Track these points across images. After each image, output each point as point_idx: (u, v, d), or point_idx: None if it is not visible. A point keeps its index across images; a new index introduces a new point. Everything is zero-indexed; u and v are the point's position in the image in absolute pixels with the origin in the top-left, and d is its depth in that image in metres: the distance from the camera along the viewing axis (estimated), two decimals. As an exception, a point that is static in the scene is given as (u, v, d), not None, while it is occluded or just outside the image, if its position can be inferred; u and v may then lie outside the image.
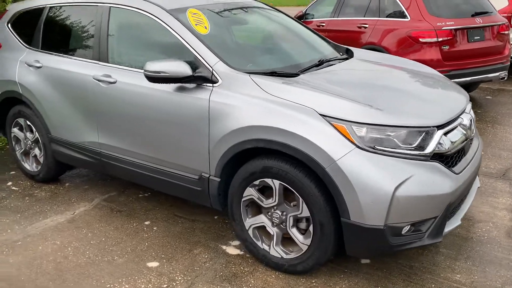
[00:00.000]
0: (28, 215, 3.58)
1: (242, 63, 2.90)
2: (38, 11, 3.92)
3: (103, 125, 3.37)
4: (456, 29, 5.65)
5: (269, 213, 2.72)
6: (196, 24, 3.04)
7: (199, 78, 2.81)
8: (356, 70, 3.23)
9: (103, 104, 3.29)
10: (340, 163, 2.31)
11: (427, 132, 2.43)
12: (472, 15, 5.86)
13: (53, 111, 3.68)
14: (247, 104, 2.63)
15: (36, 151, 4.07)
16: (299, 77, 2.80)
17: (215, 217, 3.47)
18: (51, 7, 3.82)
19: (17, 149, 4.24)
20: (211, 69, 2.80)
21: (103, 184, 4.11)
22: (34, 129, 3.96)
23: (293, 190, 2.54)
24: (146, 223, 3.42)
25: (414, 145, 2.40)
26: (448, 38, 5.60)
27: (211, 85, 2.80)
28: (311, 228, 2.54)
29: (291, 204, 2.64)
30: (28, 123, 3.99)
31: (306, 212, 2.53)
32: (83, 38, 3.58)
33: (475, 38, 5.80)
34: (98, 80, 3.28)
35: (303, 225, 2.64)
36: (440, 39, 5.56)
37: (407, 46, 5.77)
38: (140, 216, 3.52)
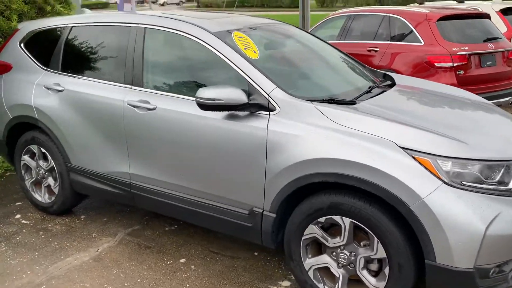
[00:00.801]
0: (47, 253, 3.25)
1: (298, 90, 2.72)
2: (57, 31, 3.65)
3: (137, 154, 3.10)
4: (470, 54, 5.64)
5: (334, 253, 2.50)
6: (245, 48, 2.84)
7: (254, 106, 2.61)
8: (411, 97, 3.08)
9: (139, 132, 3.04)
10: (427, 201, 2.13)
11: (507, 166, 2.28)
12: (484, 41, 5.88)
13: (75, 139, 3.39)
14: (313, 135, 2.43)
15: (50, 180, 3.74)
16: (359, 105, 2.63)
17: (255, 253, 3.23)
18: (73, 27, 3.56)
19: (27, 178, 3.90)
20: (267, 96, 2.60)
21: (123, 216, 3.81)
22: (49, 157, 3.65)
23: (365, 229, 2.34)
24: (182, 260, 3.14)
25: (495, 180, 2.25)
26: (463, 63, 5.58)
27: (267, 113, 2.60)
28: (386, 270, 2.34)
29: (361, 243, 2.43)
30: (43, 150, 3.68)
31: (381, 253, 2.32)
32: (112, 60, 3.32)
33: (488, 63, 5.81)
34: (134, 106, 3.03)
35: (374, 266, 2.43)
36: (455, 64, 5.53)
37: (421, 71, 5.72)
38: (172, 253, 3.24)
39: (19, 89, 3.71)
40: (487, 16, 6.28)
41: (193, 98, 2.79)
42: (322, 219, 2.46)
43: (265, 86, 2.63)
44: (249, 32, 3.11)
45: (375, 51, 6.31)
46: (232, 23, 3.21)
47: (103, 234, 3.52)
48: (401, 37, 6.11)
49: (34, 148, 3.73)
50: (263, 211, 2.66)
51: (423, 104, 2.96)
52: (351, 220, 2.37)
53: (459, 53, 5.57)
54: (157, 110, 2.94)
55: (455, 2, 8.90)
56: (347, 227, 2.40)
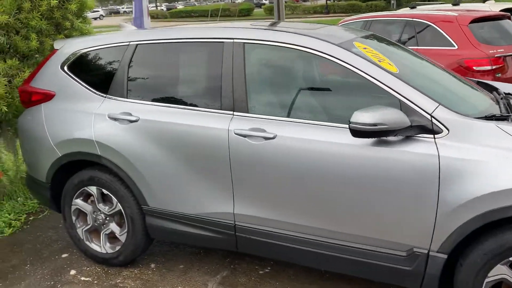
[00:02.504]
0: (137, 319, 2.68)
1: (462, 107, 2.35)
2: (115, 50, 3.09)
3: (246, 191, 2.61)
4: (505, 56, 5.52)
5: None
6: (379, 61, 2.45)
7: (415, 128, 2.22)
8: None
9: (251, 166, 2.56)
10: None
11: None
12: (514, 42, 5.80)
13: (156, 177, 2.85)
14: (502, 160, 2.07)
15: (113, 227, 3.15)
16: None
17: (382, 295, 2.82)
18: (138, 45, 3.01)
19: (79, 225, 3.28)
20: (428, 117, 2.22)
21: (200, 260, 3.28)
22: (114, 200, 3.06)
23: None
24: (304, 312, 2.68)
25: None
26: (500, 65, 5.46)
27: (430, 136, 2.21)
28: None
29: None
30: (105, 192, 3.08)
31: None
32: (199, 83, 2.83)
33: (519, 64, 5.73)
34: (244, 136, 2.55)
35: None
36: (494, 67, 5.40)
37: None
38: (286, 303, 2.77)
39: (71, 121, 3.10)
40: (508, 17, 6.23)
41: (323, 123, 2.38)
42: (513, 258, 2.10)
43: (425, 104, 2.24)
44: (368, 43, 2.72)
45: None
46: (333, 33, 2.80)
47: (190, 285, 2.98)
48: (430, 42, 5.92)
49: (92, 190, 3.13)
50: (429, 252, 2.26)
51: None
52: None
53: (496, 55, 5.44)
54: (277, 139, 2.48)
55: (449, 5, 8.92)
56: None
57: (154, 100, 2.90)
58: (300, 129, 2.45)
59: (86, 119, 3.03)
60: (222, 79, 2.69)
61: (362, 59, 2.40)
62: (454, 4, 8.86)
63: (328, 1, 43.14)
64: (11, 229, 3.82)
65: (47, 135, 3.16)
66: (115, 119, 2.94)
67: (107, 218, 3.16)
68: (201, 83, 2.85)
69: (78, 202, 3.22)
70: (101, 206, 3.15)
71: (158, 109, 2.86)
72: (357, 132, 2.17)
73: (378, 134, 2.16)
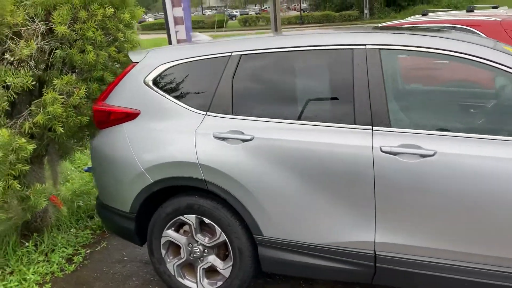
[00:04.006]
0: None
1: None
2: (214, 62, 2.75)
3: (394, 216, 2.33)
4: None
5: None
6: (542, 66, 2.22)
7: None
8: None
9: (402, 187, 2.27)
10: None
11: None
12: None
13: (276, 203, 2.52)
14: None
15: (214, 260, 2.79)
16: None
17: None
18: (243, 55, 2.69)
19: (169, 260, 2.91)
20: None
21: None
22: (217, 230, 2.71)
23: None
24: None
25: None
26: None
27: None
28: None
29: None
30: (206, 221, 2.73)
31: None
32: (322, 95, 2.54)
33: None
34: (393, 154, 2.26)
35: None
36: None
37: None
38: None
39: (165, 142, 2.74)
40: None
41: (497, 138, 2.13)
42: None
43: None
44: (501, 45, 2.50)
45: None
46: (469, 37, 2.57)
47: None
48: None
49: (190, 219, 2.77)
50: None
51: None
52: None
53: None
54: (437, 156, 2.20)
55: (457, 11, 8.92)
56: None
57: (268, 116, 2.58)
58: (465, 145, 2.19)
59: (186, 139, 2.68)
60: (355, 91, 2.41)
61: (530, 65, 2.17)
62: (468, 11, 8.88)
63: (302, 12, 43.55)
64: (72, 265, 3.39)
65: (134, 159, 2.79)
66: (223, 139, 2.60)
67: (206, 251, 2.80)
68: (325, 96, 2.56)
69: (170, 233, 2.85)
70: (199, 237, 2.79)
71: (275, 125, 2.54)
72: None
73: None
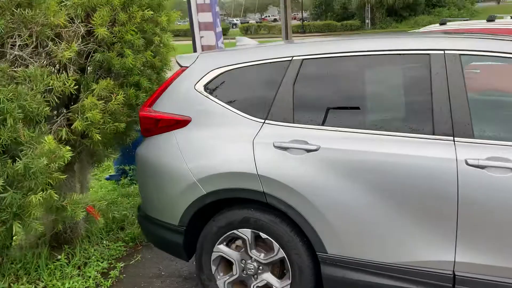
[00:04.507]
0: None
1: None
2: (272, 67, 2.60)
3: (478, 234, 2.16)
4: None
5: None
6: None
7: None
8: None
9: (491, 203, 2.10)
10: None
11: None
12: None
13: (344, 218, 2.35)
14: None
15: (269, 278, 2.62)
16: None
17: None
18: (306, 60, 2.54)
19: (219, 277, 2.73)
20: None
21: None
22: (275, 245, 2.54)
23: None
24: None
25: None
26: None
27: None
28: None
29: None
30: (263, 236, 2.56)
31: None
32: (396, 103, 2.39)
33: None
34: (481, 167, 2.10)
35: None
36: None
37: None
38: None
39: (220, 152, 2.58)
40: None
41: None
42: None
43: None
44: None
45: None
46: None
47: None
48: None
49: (244, 233, 2.60)
50: None
51: None
52: None
53: None
54: (530, 170, 2.05)
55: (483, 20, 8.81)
56: None
57: (335, 124, 2.42)
58: None
59: (243, 149, 2.52)
60: (433, 99, 2.25)
61: None
62: (488, 20, 8.78)
63: (303, 21, 43.62)
64: (109, 280, 3.20)
65: (187, 169, 2.62)
66: (285, 149, 2.44)
67: (261, 267, 2.63)
68: (398, 104, 2.41)
69: (223, 248, 2.68)
70: (254, 252, 2.62)
71: (343, 135, 2.38)
72: None
73: None
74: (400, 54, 2.37)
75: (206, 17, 5.35)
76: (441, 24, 7.91)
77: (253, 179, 2.47)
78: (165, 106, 2.78)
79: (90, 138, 3.31)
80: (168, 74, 3.94)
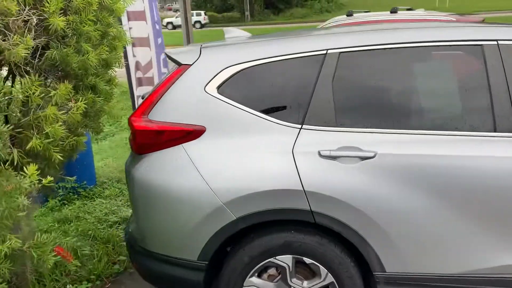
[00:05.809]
0: None
1: None
2: (303, 62, 2.20)
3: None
4: None
5: None
6: None
7: None
8: None
9: None
10: None
11: None
12: None
13: (410, 232, 2.08)
14: None
15: (313, 307, 2.26)
16: None
17: None
18: (343, 53, 2.18)
19: (250, 313, 2.29)
20: None
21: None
22: (321, 271, 2.18)
23: None
24: None
25: None
26: None
27: None
28: None
29: None
30: (307, 261, 2.18)
31: None
32: (452, 98, 2.16)
33: None
34: (554, 164, 1.98)
35: None
36: None
37: None
38: None
39: (251, 166, 2.12)
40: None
41: None
42: None
43: None
44: None
45: None
46: None
47: None
48: None
49: (284, 260, 2.19)
50: None
51: None
52: None
53: None
54: None
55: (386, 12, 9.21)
56: None
57: (388, 126, 2.12)
58: None
59: (281, 161, 2.10)
60: (492, 93, 2.08)
61: None
62: (392, 12, 9.21)
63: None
64: (90, 336, 2.54)
65: (209, 190, 2.11)
66: (334, 158, 2.08)
67: (305, 298, 2.25)
68: (453, 100, 2.19)
69: (256, 281, 2.24)
70: (295, 281, 2.23)
71: (400, 138, 2.10)
72: None
73: None
74: (450, 45, 2.15)
75: (138, 5, 4.67)
76: (348, 15, 8.08)
77: (298, 197, 2.07)
78: (167, 114, 2.23)
79: (45, 159, 2.60)
80: (118, 73, 3.32)
